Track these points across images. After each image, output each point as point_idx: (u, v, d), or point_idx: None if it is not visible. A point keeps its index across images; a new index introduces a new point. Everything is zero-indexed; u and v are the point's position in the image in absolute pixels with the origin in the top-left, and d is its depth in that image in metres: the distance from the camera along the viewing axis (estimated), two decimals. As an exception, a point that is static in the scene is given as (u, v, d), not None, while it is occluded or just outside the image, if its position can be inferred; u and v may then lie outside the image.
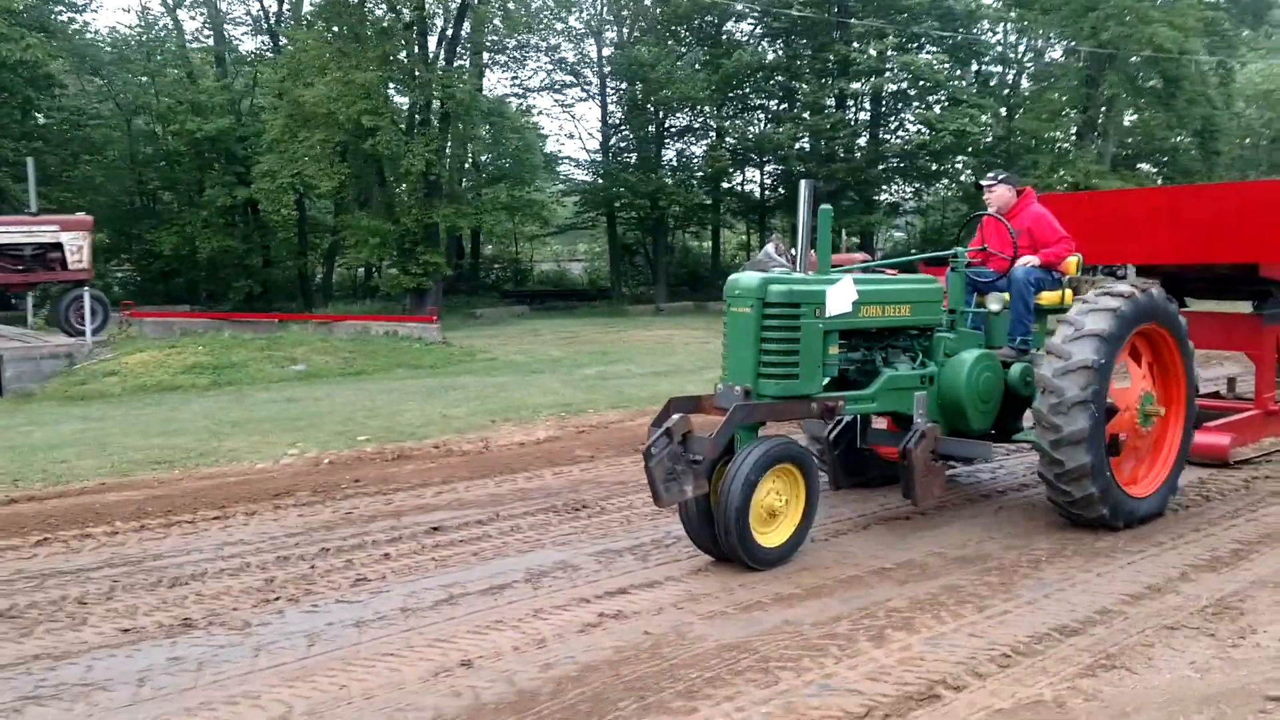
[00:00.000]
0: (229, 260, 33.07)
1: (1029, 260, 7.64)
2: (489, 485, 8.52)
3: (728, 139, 38.07)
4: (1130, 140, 38.94)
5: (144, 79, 34.47)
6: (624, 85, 36.71)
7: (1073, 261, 7.87)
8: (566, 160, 40.01)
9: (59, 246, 18.47)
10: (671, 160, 38.33)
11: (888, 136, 38.29)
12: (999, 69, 39.14)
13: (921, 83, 34.97)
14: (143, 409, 13.03)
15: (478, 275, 41.48)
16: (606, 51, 37.16)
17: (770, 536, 6.01)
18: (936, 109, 34.32)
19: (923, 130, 35.15)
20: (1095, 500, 6.47)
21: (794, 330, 6.11)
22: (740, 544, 5.77)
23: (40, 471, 9.03)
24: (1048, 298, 7.62)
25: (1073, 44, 35.26)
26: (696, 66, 34.40)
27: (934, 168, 37.66)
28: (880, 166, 37.01)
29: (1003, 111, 35.96)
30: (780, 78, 36.41)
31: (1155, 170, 40.33)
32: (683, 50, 36.12)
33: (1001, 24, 37.90)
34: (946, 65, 33.90)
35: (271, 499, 8.13)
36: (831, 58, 34.34)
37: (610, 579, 5.98)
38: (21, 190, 28.58)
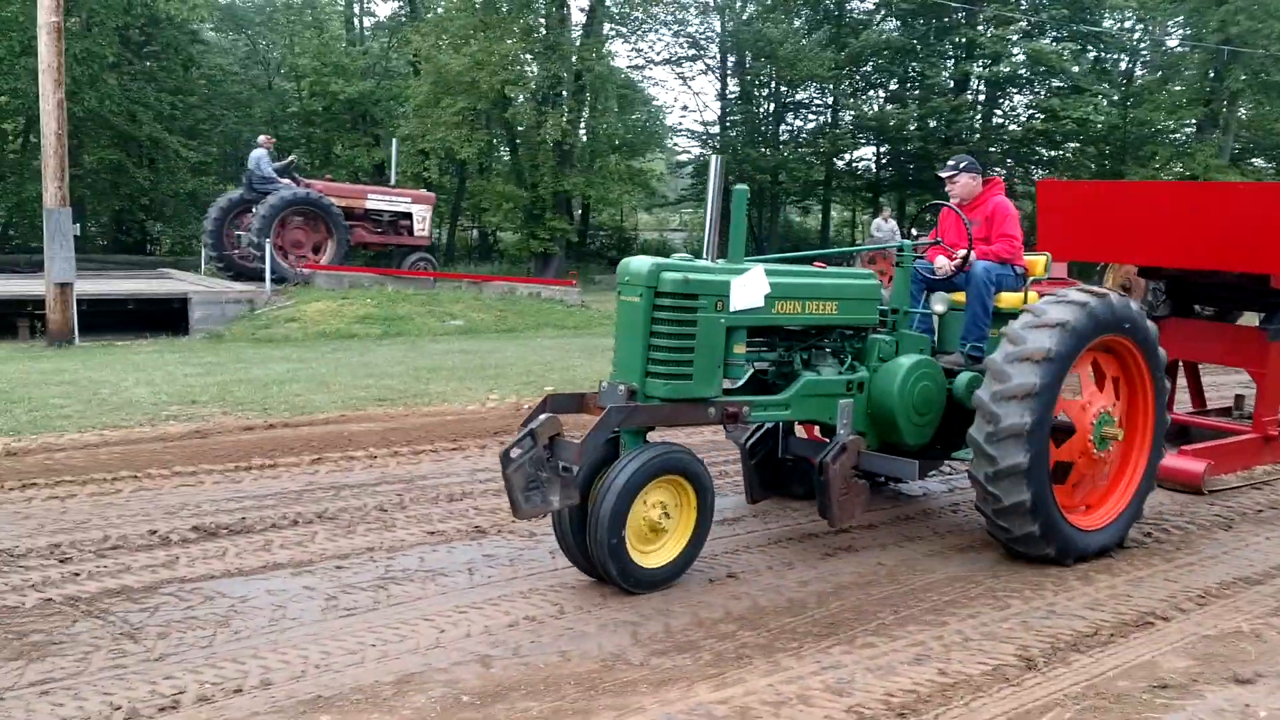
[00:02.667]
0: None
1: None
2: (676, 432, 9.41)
3: (845, 116, 38.46)
4: (1244, 134, 38.36)
5: (286, 41, 35.97)
6: (748, 60, 37.23)
7: (1039, 261, 7.34)
8: (685, 133, 40.69)
9: (409, 216, 21.89)
10: (789, 134, 38.79)
11: (1002, 120, 38.35)
12: (1115, 56, 38.80)
13: (1040, 68, 34.97)
14: (334, 353, 14.24)
15: (585, 243, 42.53)
16: (730, 26, 37.65)
17: (652, 556, 5.41)
18: (1055, 97, 34.25)
19: (1037, 116, 35.29)
20: (1037, 538, 5.85)
21: (689, 325, 5.37)
22: (613, 562, 5.17)
23: (282, 403, 10.20)
24: (1009, 299, 6.83)
25: (1188, 34, 34.96)
26: (821, 44, 34.74)
27: (1047, 155, 37.60)
28: (992, 149, 37.12)
29: (1114, 99, 35.64)
30: (903, 59, 36.59)
31: (1270, 166, 39.66)
32: (806, 27, 36.47)
33: (1121, 12, 37.58)
34: (1069, 51, 33.81)
35: (492, 435, 9.21)
36: (957, 40, 34.50)
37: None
38: (180, 142, 30.37)
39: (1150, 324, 6.44)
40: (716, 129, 38.88)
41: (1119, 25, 38.64)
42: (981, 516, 6.10)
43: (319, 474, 7.82)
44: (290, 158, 22.35)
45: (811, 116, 39.98)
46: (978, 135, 37.14)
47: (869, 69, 38.07)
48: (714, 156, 5.82)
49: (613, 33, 33.61)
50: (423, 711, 4.08)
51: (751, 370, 6.15)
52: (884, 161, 40.54)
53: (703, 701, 4.21)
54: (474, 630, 4.90)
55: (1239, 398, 10.36)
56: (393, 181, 23.54)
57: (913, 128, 35.93)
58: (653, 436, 5.61)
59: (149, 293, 17.87)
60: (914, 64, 36.41)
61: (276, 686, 4.26)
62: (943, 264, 6.91)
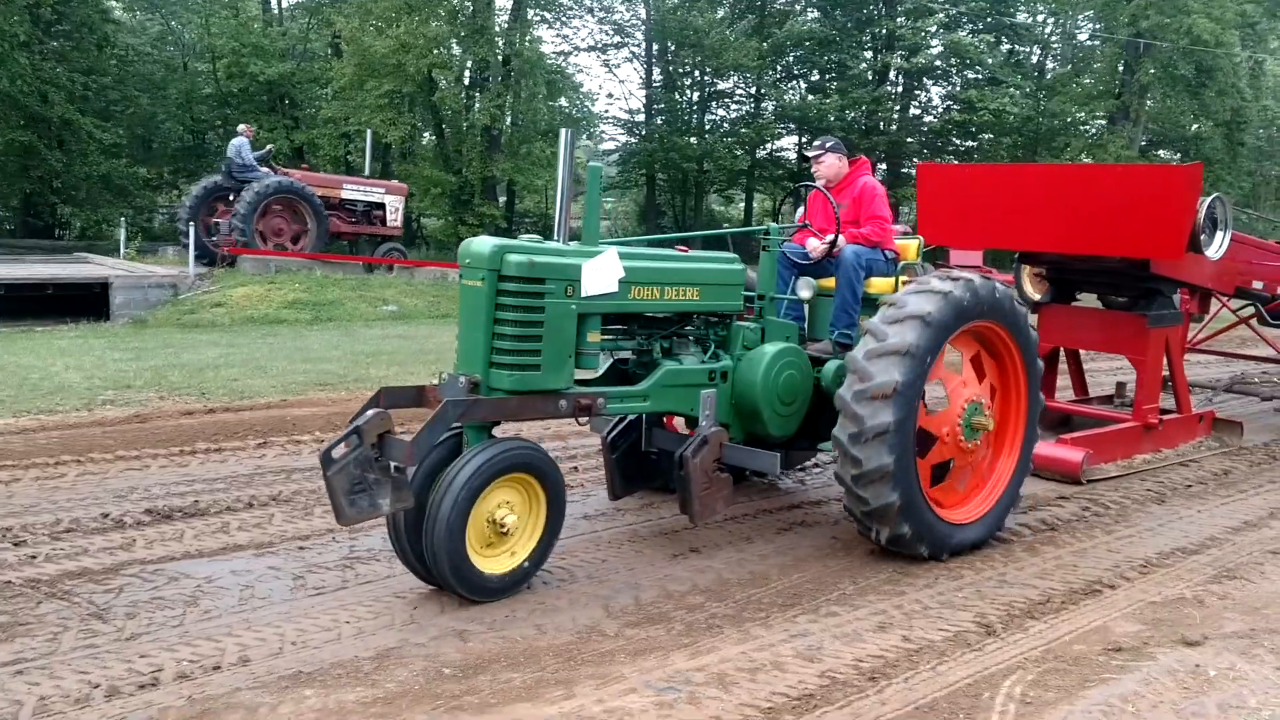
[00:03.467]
0: (283, 202, 33.86)
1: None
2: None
3: (767, 105, 38.84)
4: (1153, 126, 39.62)
5: (202, 20, 35.10)
6: (671, 48, 37.35)
7: (912, 245, 7.12)
8: (611, 120, 40.72)
9: (382, 206, 21.91)
10: (713, 123, 39.06)
11: (919, 111, 39.14)
12: (1029, 49, 39.80)
13: (956, 60, 35.77)
14: (266, 339, 14.04)
15: (511, 229, 42.37)
16: (655, 14, 37.74)
17: (496, 561, 5.02)
18: (972, 89, 35.05)
19: (954, 107, 36.11)
20: (908, 539, 5.61)
21: (536, 311, 4.99)
22: (450, 568, 4.77)
23: (220, 388, 10.06)
24: (879, 285, 6.64)
25: (1100, 28, 36.06)
26: (745, 34, 35.03)
27: (963, 145, 38.45)
28: (910, 139, 37.89)
29: (1028, 91, 36.55)
30: (825, 50, 37.08)
31: (1177, 157, 41.06)
32: (730, 17, 36.73)
33: (1035, 5, 38.53)
34: (986, 44, 34.62)
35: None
36: (877, 31, 35.09)
37: (788, 496, 7.02)
38: (93, 124, 29.48)
39: (1019, 307, 6.17)
40: (642, 117, 38.97)
41: (1032, 19, 39.69)
42: (851, 519, 5.86)
43: (266, 458, 7.74)
44: (269, 147, 22.22)
45: (735, 106, 40.33)
46: (896, 125, 37.90)
47: (791, 60, 38.50)
48: (563, 130, 5.45)
49: (538, 18, 33.48)
50: (406, 684, 4.11)
51: (612, 360, 5.93)
52: (804, 151, 41.05)
53: (680, 669, 4.32)
54: (447, 607, 4.93)
55: (1120, 385, 10.32)
56: (366, 173, 23.76)
57: (833, 118, 36.44)
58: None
59: (69, 277, 17.38)
60: (834, 55, 36.99)
61: (255, 663, 4.26)
62: (813, 247, 6.67)
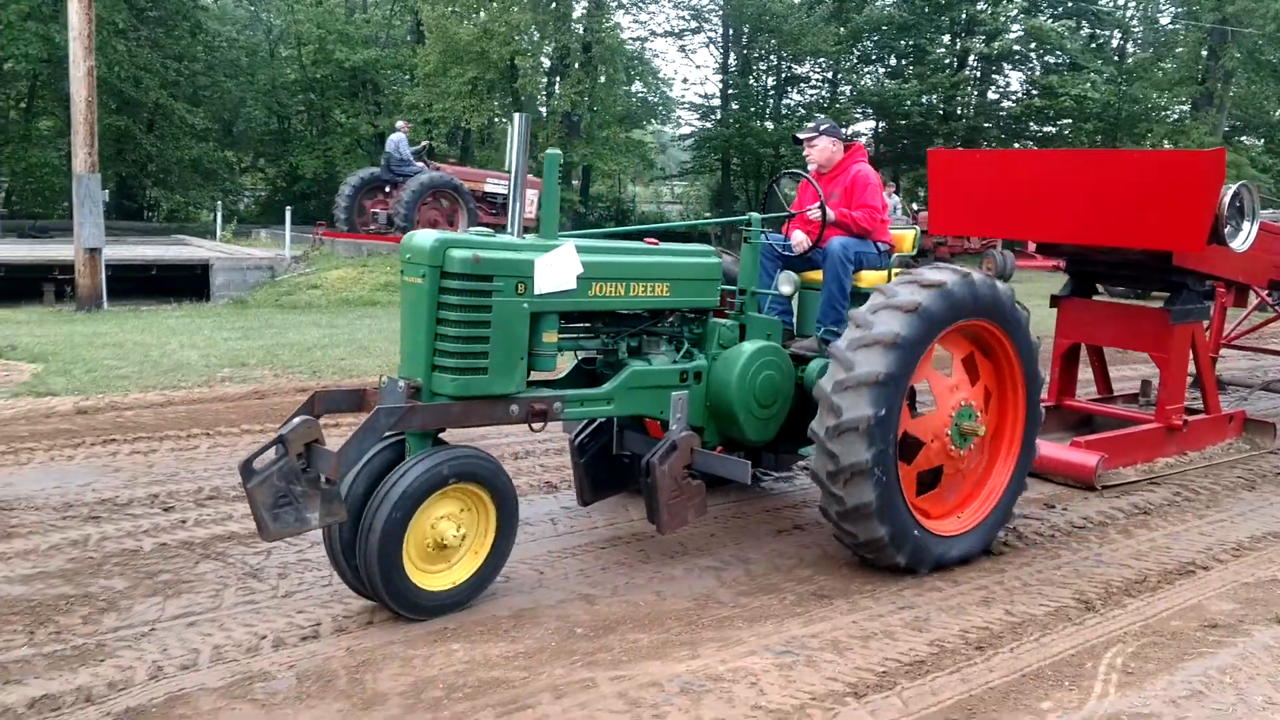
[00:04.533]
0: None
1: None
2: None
3: (843, 89, 38.78)
4: (1237, 112, 38.77)
5: (287, 5, 35.95)
6: (745, 34, 37.41)
7: (907, 236, 6.74)
8: (686, 105, 40.92)
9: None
10: (789, 108, 39.07)
11: (998, 96, 38.80)
12: (1109, 33, 39.17)
13: (1034, 44, 35.36)
14: (363, 319, 14.54)
15: (586, 213, 42.80)
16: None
17: (439, 576, 4.69)
18: (1052, 74, 34.64)
19: (1033, 92, 35.74)
20: (885, 544, 5.18)
21: (481, 310, 4.64)
22: (384, 584, 4.44)
23: (329, 367, 10.53)
24: (870, 278, 6.22)
25: (1182, 11, 35.37)
26: (824, 19, 34.98)
27: (1040, 131, 37.99)
28: (988, 125, 37.57)
29: (1108, 77, 36.01)
30: (904, 34, 36.86)
31: (1261, 144, 40.11)
32: (809, 2, 36.68)
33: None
34: (1066, 28, 34.19)
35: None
36: (957, 16, 34.81)
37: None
38: (184, 109, 30.43)
39: (1019, 307, 5.71)
40: (717, 101, 39.11)
41: (1114, 3, 39.03)
42: (826, 520, 5.39)
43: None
44: (424, 143, 23.25)
45: (811, 90, 40.29)
46: (973, 111, 37.62)
47: (869, 44, 38.35)
48: (516, 114, 5.05)
49: (616, 4, 33.77)
50: (543, 641, 4.45)
51: (577, 361, 5.59)
52: (881, 136, 40.90)
53: (795, 635, 4.60)
54: (570, 573, 5.27)
55: (1145, 383, 9.62)
56: (507, 166, 24.11)
57: (910, 103, 36.27)
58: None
59: (173, 259, 18.15)
60: (913, 40, 36.78)
61: (404, 620, 4.61)
62: (800, 239, 6.33)
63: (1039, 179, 7.73)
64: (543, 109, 30.23)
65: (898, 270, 6.21)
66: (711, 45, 39.65)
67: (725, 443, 5.75)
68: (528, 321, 4.80)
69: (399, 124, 21.95)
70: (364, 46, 33.22)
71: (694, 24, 38.38)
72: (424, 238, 4.69)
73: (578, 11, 30.62)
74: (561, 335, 5.08)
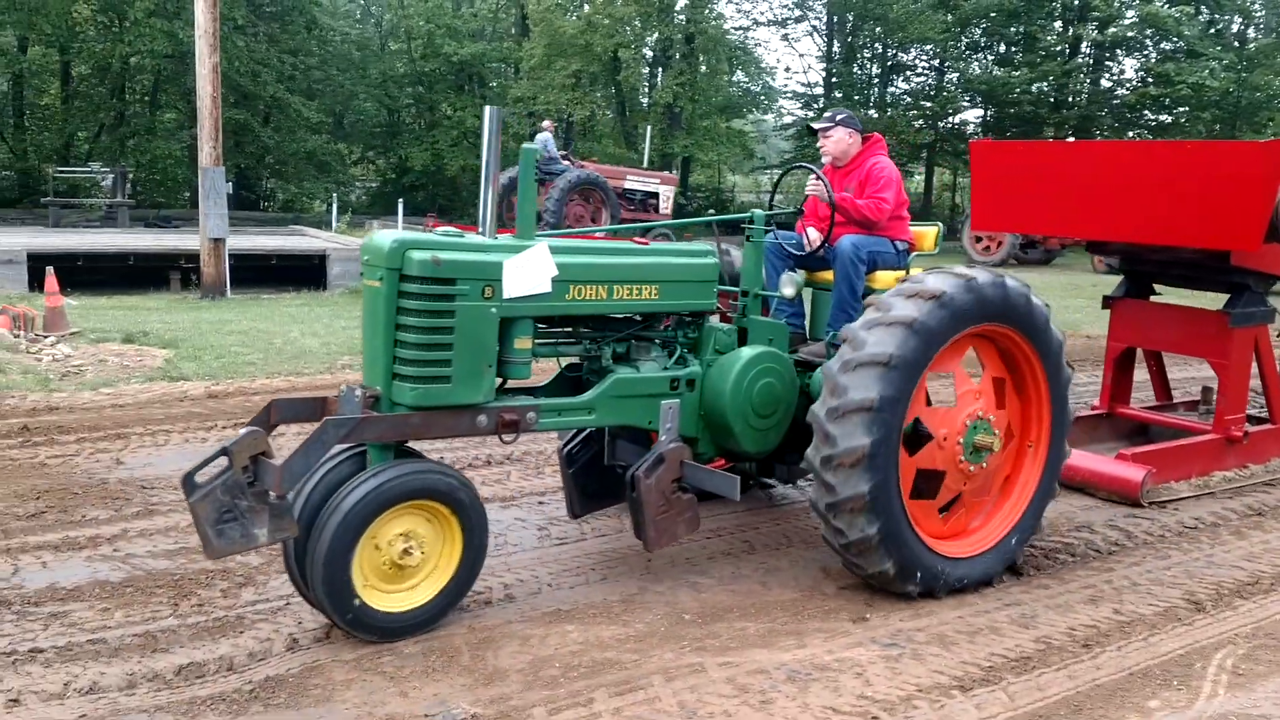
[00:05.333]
0: (471, 178, 35.37)
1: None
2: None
3: (950, 77, 38.18)
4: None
5: (398, 1, 36.84)
6: (849, 21, 37.11)
7: (929, 234, 6.32)
8: (788, 95, 40.77)
9: (656, 195, 24.23)
10: (894, 96, 38.67)
11: (1111, 84, 37.73)
12: (1229, 18, 37.77)
13: (1150, 31, 34.30)
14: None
15: (686, 204, 42.95)
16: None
17: (398, 598, 4.40)
18: (1169, 61, 33.59)
19: (1148, 80, 34.67)
20: (892, 576, 4.89)
21: (444, 316, 4.34)
22: (333, 606, 4.20)
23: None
24: (886, 279, 5.82)
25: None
26: (931, 6, 34.51)
27: (1156, 120, 36.85)
28: (1101, 113, 36.59)
29: (1227, 64, 34.73)
30: (1013, 21, 36.14)
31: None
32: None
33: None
34: (1183, 14, 33.08)
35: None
36: (1069, 2, 33.98)
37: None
38: (300, 102, 31.39)
39: (1039, 308, 5.23)
40: (820, 90, 38.85)
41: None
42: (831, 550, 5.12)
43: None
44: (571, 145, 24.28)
45: (916, 79, 39.78)
46: (1086, 99, 36.67)
47: (977, 31, 37.68)
48: (487, 108, 4.74)
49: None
50: (652, 625, 4.61)
51: (560, 368, 5.26)
52: (989, 125, 40.16)
53: (901, 629, 4.69)
54: (677, 560, 5.43)
55: (1206, 390, 8.73)
56: (644, 164, 25.87)
57: (1019, 91, 35.54)
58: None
59: (291, 249, 18.79)
60: (1022, 26, 36.02)
61: (520, 600, 4.84)
62: (814, 237, 6.00)
63: (1085, 172, 7.20)
64: (644, 99, 30.36)
65: (907, 272, 5.90)
66: (815, 33, 39.42)
67: (725, 454, 5.43)
68: (496, 327, 4.48)
69: (545, 124, 22.96)
70: (471, 40, 33.87)
71: (798, 12, 38.18)
72: (382, 238, 4.39)
73: (681, 2, 30.68)
74: (540, 341, 4.81)
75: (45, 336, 10.72)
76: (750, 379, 5.13)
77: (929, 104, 37.03)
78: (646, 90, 30.75)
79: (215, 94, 15.45)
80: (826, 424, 4.72)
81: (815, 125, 6.31)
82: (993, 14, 35.92)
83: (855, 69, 38.54)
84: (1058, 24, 36.86)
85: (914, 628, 4.69)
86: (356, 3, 39.53)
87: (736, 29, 36.57)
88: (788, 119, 41.53)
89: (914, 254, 6.16)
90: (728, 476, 5.09)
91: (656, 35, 29.30)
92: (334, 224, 22.65)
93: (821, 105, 38.07)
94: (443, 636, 4.42)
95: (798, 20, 38.52)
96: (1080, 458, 6.80)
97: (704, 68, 30.48)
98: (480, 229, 4.73)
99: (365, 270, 4.46)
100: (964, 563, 5.13)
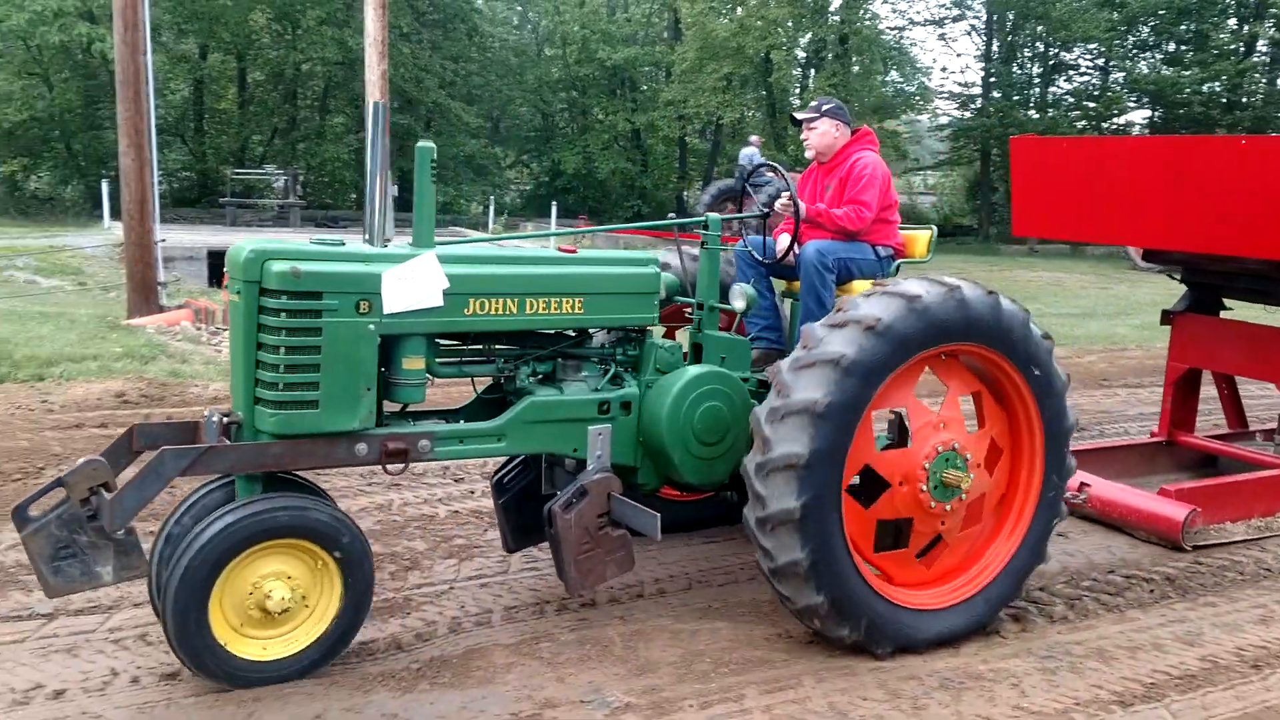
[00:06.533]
0: (621, 181, 35.88)
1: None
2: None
3: (1115, 76, 36.79)
4: None
5: (553, 7, 37.61)
6: (1009, 20, 36.12)
7: (921, 238, 5.71)
8: (944, 95, 39.96)
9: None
10: (1056, 96, 37.47)
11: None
12: None
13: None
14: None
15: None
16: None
17: (265, 645, 3.93)
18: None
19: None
20: (823, 613, 4.23)
21: (309, 334, 3.86)
22: (187, 654, 3.74)
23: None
24: (862, 289, 4.71)
25: None
26: (1096, 4, 33.31)
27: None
28: (1279, 115, 34.65)
29: None
30: (1183, 19, 34.59)
31: None
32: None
33: None
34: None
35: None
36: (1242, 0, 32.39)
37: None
38: (461, 107, 32.41)
39: (1010, 314, 4.48)
40: (978, 90, 37.96)
41: None
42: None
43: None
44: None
45: (1079, 78, 38.43)
46: (1262, 100, 34.81)
47: (1144, 29, 36.18)
48: (374, 102, 4.12)
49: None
50: (802, 627, 4.64)
51: (477, 392, 4.71)
52: (1157, 126, 38.51)
53: (1059, 641, 4.60)
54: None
55: None
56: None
57: (1189, 91, 34.00)
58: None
59: (449, 249, 19.37)
60: (1193, 24, 34.41)
61: (670, 595, 4.95)
62: (785, 243, 5.37)
63: (1141, 173, 6.38)
64: (795, 100, 30.21)
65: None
66: (974, 32, 38.50)
67: (669, 485, 4.88)
68: (375, 345, 3.98)
69: (752, 138, 23.34)
70: (624, 45, 34.30)
71: (956, 11, 37.37)
72: (240, 247, 3.93)
73: (835, 3, 30.44)
74: (444, 361, 4.34)
75: (225, 329, 11.38)
76: (691, 401, 4.52)
77: (1092, 105, 35.69)
78: (797, 92, 30.53)
79: (384, 101, 16.06)
80: (755, 482, 4.17)
81: (799, 115, 5.70)
82: (1161, 11, 34.41)
83: (1015, 68, 37.44)
84: (1231, 21, 35.07)
85: (1072, 641, 4.61)
86: (514, 9, 40.51)
87: (892, 29, 36.10)
88: (943, 119, 40.70)
89: (901, 260, 5.57)
90: (647, 513, 4.32)
91: (810, 36, 29.11)
92: (490, 225, 23.33)
93: (979, 105, 37.20)
94: (597, 627, 4.55)
95: (955, 19, 37.71)
96: (1117, 491, 6.19)
97: (856, 68, 30.12)
98: (365, 235, 4.27)
99: (229, 284, 4.02)
100: (925, 616, 4.48)
